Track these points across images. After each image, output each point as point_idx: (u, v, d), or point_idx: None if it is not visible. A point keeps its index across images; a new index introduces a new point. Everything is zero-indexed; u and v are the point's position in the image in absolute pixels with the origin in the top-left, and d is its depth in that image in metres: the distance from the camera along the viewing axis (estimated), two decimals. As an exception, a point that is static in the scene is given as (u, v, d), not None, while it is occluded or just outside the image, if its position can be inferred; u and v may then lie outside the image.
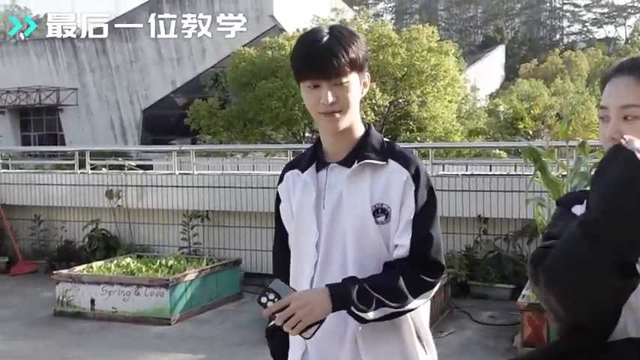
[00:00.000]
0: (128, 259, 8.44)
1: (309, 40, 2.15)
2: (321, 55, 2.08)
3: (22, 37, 56.72)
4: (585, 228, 1.57)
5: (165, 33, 36.89)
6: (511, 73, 62.48)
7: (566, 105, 27.57)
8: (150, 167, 12.63)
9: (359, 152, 2.19)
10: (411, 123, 24.05)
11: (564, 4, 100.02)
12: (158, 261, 8.27)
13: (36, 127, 41.29)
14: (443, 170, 11.83)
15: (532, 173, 6.19)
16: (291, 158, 2.37)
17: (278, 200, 2.38)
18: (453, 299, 7.78)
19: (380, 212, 2.15)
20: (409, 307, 2.11)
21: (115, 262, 8.35)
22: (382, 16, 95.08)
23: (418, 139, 23.11)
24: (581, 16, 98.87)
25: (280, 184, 2.36)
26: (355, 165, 2.16)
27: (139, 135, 38.24)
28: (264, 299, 2.02)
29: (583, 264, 1.60)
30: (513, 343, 6.41)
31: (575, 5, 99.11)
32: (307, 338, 2.04)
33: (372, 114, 22.72)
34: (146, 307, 7.43)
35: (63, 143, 37.68)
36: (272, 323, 2.30)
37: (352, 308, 2.04)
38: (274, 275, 2.35)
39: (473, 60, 56.97)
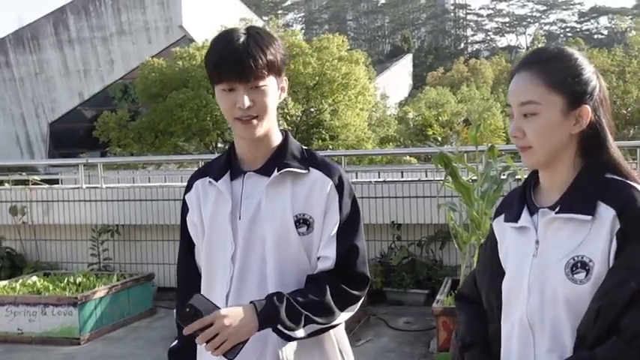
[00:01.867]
0: (34, 278, 8.11)
1: (224, 40, 2.04)
2: (237, 55, 1.99)
3: None
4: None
5: (70, 44, 36.10)
6: (419, 82, 63.70)
7: (473, 110, 28.27)
8: (56, 182, 12.23)
9: (278, 160, 2.11)
10: (323, 132, 24.14)
11: (468, 14, 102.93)
12: (66, 279, 7.96)
13: None
14: (356, 177, 11.89)
15: (443, 178, 6.25)
16: (204, 169, 2.24)
17: (185, 209, 2.25)
18: (369, 306, 7.79)
19: (302, 223, 2.08)
20: (336, 321, 2.07)
21: (21, 281, 8.00)
22: (292, 26, 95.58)
23: (331, 147, 23.23)
24: (484, 25, 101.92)
25: (188, 193, 2.24)
26: (276, 173, 2.08)
27: (45, 149, 37.13)
28: (184, 313, 1.91)
29: None
30: (429, 348, 6.46)
31: (478, 15, 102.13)
32: (231, 359, 1.94)
33: (285, 123, 22.72)
34: (54, 327, 7.14)
35: (-36, 159, 36.23)
36: (176, 343, 2.20)
37: (280, 327, 1.96)
38: (178, 292, 2.24)
39: (382, 69, 57.82)
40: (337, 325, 2.11)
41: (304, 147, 2.22)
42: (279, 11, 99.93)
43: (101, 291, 7.48)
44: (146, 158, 18.96)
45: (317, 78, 23.10)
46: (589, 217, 1.69)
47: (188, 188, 2.24)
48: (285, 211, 2.07)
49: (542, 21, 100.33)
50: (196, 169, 2.52)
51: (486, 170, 6.04)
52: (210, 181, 2.16)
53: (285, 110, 22.48)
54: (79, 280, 7.91)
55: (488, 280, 1.93)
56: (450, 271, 8.04)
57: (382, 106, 31.58)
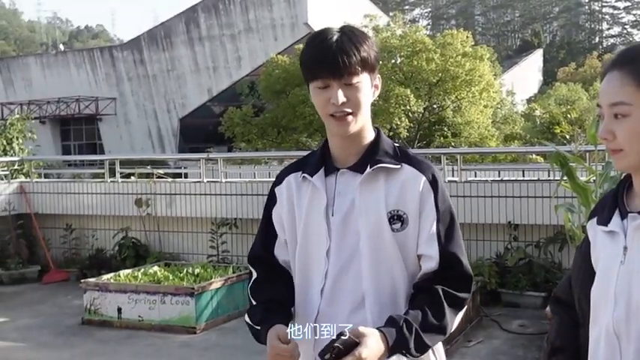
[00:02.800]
0: (155, 268, 8.45)
1: (318, 39, 2.07)
2: (331, 53, 2.01)
3: (62, 49, 57.85)
4: None
5: (201, 42, 37.30)
6: (549, 77, 61.76)
7: (595, 107, 27.10)
8: (180, 175, 12.69)
9: (371, 157, 2.11)
10: (445, 129, 23.86)
11: (603, 6, 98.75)
12: (185, 269, 8.26)
13: (76, 137, 41.87)
14: (475, 176, 11.67)
15: (560, 178, 6.03)
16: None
17: (272, 201, 2.27)
18: (483, 307, 7.64)
19: (395, 219, 2.08)
20: (449, 326, 2.07)
21: (143, 270, 8.36)
22: (418, 21, 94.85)
23: (453, 144, 22.93)
24: (621, 18, 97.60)
25: (279, 186, 2.25)
26: (369, 170, 2.08)
27: (176, 143, 38.56)
28: (327, 356, 1.90)
29: None
30: (542, 353, 6.27)
31: (615, 8, 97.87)
32: None
33: (407, 120, 22.58)
34: (172, 316, 7.42)
35: (102, 152, 38.16)
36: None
37: (408, 355, 2.01)
38: (253, 283, 2.26)
39: (510, 64, 56.49)
40: (451, 327, 2.11)
41: (396, 144, 2.21)
42: (406, 7, 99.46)
43: (217, 282, 7.70)
44: (264, 154, 19.34)
45: (440, 74, 22.84)
46: None
47: (278, 181, 2.26)
48: (379, 207, 2.07)
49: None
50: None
51: (606, 170, 5.79)
52: (304, 177, 2.17)
53: (407, 107, 22.33)
54: (197, 271, 8.18)
55: (580, 283, 1.86)
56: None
57: (508, 103, 30.81)
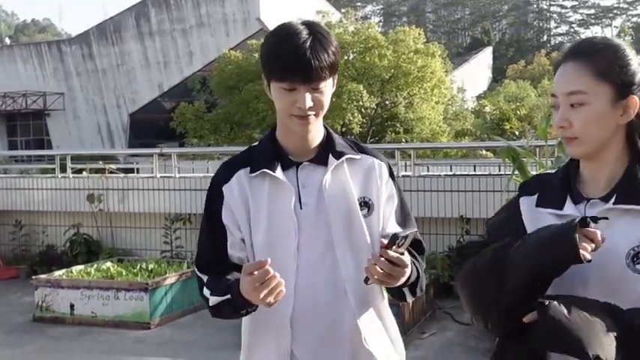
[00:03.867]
0: (108, 263, 8.37)
1: (288, 38, 2.02)
2: (304, 58, 1.98)
3: (8, 42, 56.65)
4: (499, 255, 1.72)
5: (151, 37, 36.94)
6: (499, 75, 62.63)
7: (544, 104, 27.66)
8: (134, 171, 12.58)
9: (330, 150, 2.14)
10: (397, 125, 24.06)
11: (551, 5, 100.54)
12: (138, 265, 8.21)
13: (23, 132, 41.11)
14: (427, 171, 11.81)
15: (512, 172, 6.14)
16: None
17: (219, 199, 2.16)
18: (436, 300, 7.74)
19: (363, 205, 2.13)
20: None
21: (95, 266, 8.28)
22: (370, 18, 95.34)
23: (404, 140, 23.12)
24: (568, 17, 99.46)
25: (227, 183, 2.14)
26: (336, 161, 2.12)
27: (126, 139, 38.15)
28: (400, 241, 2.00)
29: (480, 280, 1.79)
30: (495, 343, 6.37)
31: (562, 7, 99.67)
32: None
33: (359, 116, 22.69)
34: (126, 312, 7.36)
35: (50, 148, 37.48)
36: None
37: (418, 289, 2.18)
38: (207, 282, 2.15)
39: (460, 62, 57.09)
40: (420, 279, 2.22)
41: (344, 137, 2.29)
42: (358, 3, 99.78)
43: (172, 277, 7.67)
44: (217, 149, 19.24)
45: (392, 71, 23.02)
46: None
47: (225, 178, 2.15)
48: (350, 196, 2.11)
49: (629, 12, 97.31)
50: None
51: (556, 165, 5.91)
52: (264, 172, 2.11)
53: (360, 103, 22.46)
54: (150, 266, 8.13)
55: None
56: (519, 266, 7.90)
57: (459, 100, 31.21)
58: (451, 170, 11.67)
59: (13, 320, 7.89)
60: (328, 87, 2.07)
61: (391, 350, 2.23)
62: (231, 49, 27.68)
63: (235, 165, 2.18)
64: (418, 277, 2.15)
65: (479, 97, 44.34)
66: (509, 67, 63.38)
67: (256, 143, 2.25)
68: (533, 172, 6.31)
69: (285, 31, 2.06)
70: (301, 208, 2.10)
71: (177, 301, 7.68)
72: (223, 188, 2.15)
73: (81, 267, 8.27)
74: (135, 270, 8.02)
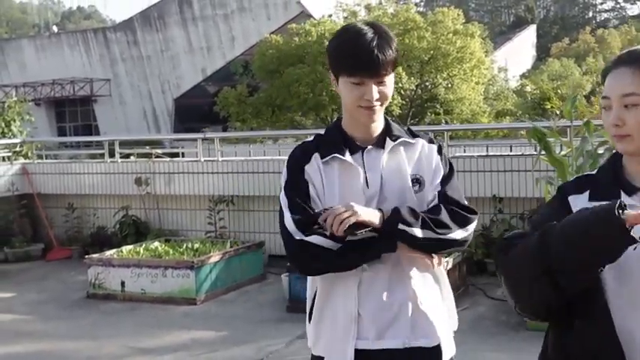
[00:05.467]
0: (156, 243, 8.81)
1: (354, 36, 2.35)
2: (371, 53, 2.30)
3: (55, 30, 57.76)
4: (543, 239, 1.80)
5: (194, 22, 37.43)
6: (543, 53, 61.87)
7: (570, 84, 27.35)
8: (177, 155, 13.00)
9: (389, 135, 2.45)
10: (437, 106, 24.17)
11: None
12: (185, 244, 8.62)
13: (71, 119, 42.10)
14: (464, 152, 12.01)
15: (538, 153, 6.37)
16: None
17: (304, 180, 2.44)
18: (469, 277, 8.00)
19: (414, 182, 2.45)
20: (454, 236, 2.39)
21: (144, 246, 8.71)
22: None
23: (444, 121, 23.24)
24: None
25: (308, 164, 2.44)
26: (392, 143, 2.43)
27: (171, 123, 38.81)
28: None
29: (527, 267, 1.84)
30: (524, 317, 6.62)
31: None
32: (354, 235, 2.28)
33: (399, 97, 22.85)
34: (173, 288, 7.78)
35: (97, 133, 38.38)
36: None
37: (400, 224, 2.30)
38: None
39: (503, 40, 56.57)
40: (456, 240, 2.40)
41: (400, 125, 2.61)
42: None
43: (215, 256, 8.06)
44: (259, 133, 19.63)
45: (431, 52, 23.12)
46: None
47: (306, 159, 2.44)
48: (404, 174, 2.44)
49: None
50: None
51: (582, 145, 6.12)
52: (334, 156, 2.42)
53: (400, 85, 22.61)
54: (196, 246, 8.53)
55: None
56: (551, 244, 8.09)
57: (500, 79, 31.09)
58: (487, 151, 11.84)
59: (68, 297, 8.38)
60: (391, 80, 2.39)
61: (445, 316, 2.53)
62: (272, 32, 27.99)
63: (310, 149, 2.48)
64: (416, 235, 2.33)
65: (522, 76, 43.94)
66: (553, 45, 62.55)
67: (322, 132, 2.56)
68: (562, 153, 6.54)
69: (353, 30, 2.40)
70: (368, 187, 2.42)
71: (221, 278, 8.07)
72: (306, 167, 2.46)
73: (130, 247, 8.72)
74: (181, 249, 8.43)
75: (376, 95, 2.33)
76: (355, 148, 2.44)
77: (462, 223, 2.42)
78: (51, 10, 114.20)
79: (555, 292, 1.78)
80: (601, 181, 2.03)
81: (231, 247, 8.55)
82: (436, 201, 2.43)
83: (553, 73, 39.34)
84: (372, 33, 2.32)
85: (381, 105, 2.38)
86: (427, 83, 24.45)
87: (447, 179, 2.49)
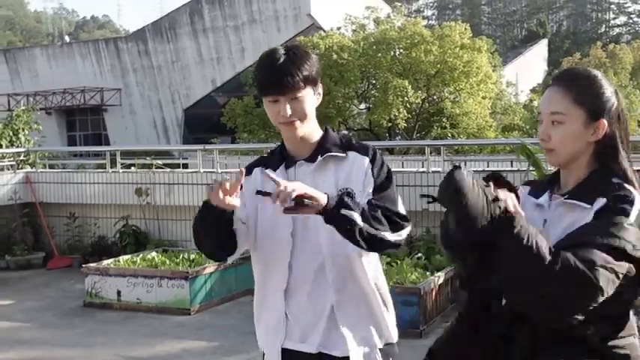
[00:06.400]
0: (153, 253, 8.91)
1: (266, 60, 2.51)
2: (278, 74, 2.44)
3: (68, 39, 58.18)
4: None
5: (205, 33, 37.67)
6: (554, 67, 61.74)
7: None
8: (178, 166, 13.12)
9: (321, 149, 2.56)
10: (444, 119, 24.21)
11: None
12: (181, 255, 8.71)
13: (81, 127, 42.33)
14: (465, 166, 12.05)
15: (527, 169, 6.42)
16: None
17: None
18: (462, 291, 8.04)
19: (346, 195, 2.47)
20: (387, 236, 2.43)
21: (141, 255, 8.82)
22: (424, 11, 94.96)
23: (450, 135, 23.29)
24: (627, 7, 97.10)
25: (247, 176, 2.57)
26: (319, 159, 2.54)
27: (180, 134, 38.96)
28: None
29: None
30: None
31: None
32: (288, 212, 2.30)
33: (405, 111, 22.91)
34: (168, 298, 7.87)
35: (107, 143, 38.59)
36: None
37: (344, 209, 2.34)
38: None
39: (515, 54, 56.57)
40: (387, 241, 2.43)
41: (342, 136, 2.66)
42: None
43: (210, 267, 8.14)
44: (261, 145, 19.66)
45: (438, 66, 23.18)
46: (589, 206, 2.05)
47: (248, 172, 2.60)
48: (331, 188, 2.50)
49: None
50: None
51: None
52: (270, 171, 2.54)
53: (406, 98, 22.69)
54: (192, 256, 8.63)
55: None
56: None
57: (507, 94, 31.10)
58: (488, 166, 11.89)
59: (66, 305, 8.49)
60: (307, 96, 2.49)
61: (369, 329, 2.58)
62: (282, 44, 28.10)
63: (256, 163, 2.68)
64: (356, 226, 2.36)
65: (533, 91, 43.89)
66: (564, 59, 62.40)
67: (275, 145, 2.74)
68: (550, 169, 6.59)
69: (266, 54, 2.56)
70: None
71: (216, 289, 8.16)
72: (243, 181, 2.56)
73: (128, 256, 8.83)
74: (177, 260, 8.53)
75: (289, 112, 2.45)
76: (291, 162, 2.58)
77: (396, 228, 2.46)
78: (65, 20, 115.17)
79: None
80: (542, 182, 2.32)
81: (227, 258, 8.63)
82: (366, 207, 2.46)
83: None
84: (282, 55, 2.47)
85: (300, 120, 2.48)
86: (434, 97, 24.51)
87: (379, 190, 2.51)
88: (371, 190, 2.51)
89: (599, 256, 1.90)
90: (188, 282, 7.80)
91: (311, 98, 2.52)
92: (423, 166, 9.49)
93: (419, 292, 6.87)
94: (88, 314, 8.06)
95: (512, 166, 12.39)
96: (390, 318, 2.64)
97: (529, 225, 1.94)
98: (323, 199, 2.32)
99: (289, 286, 2.54)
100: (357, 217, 2.35)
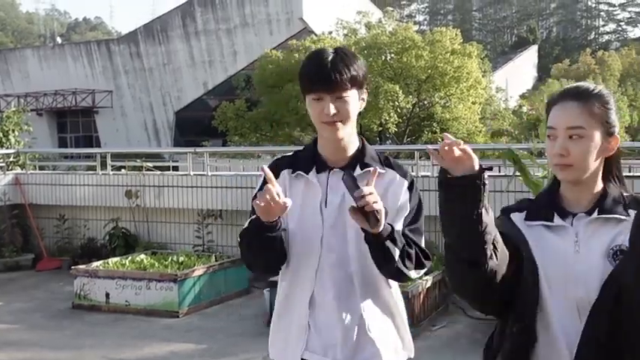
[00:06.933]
0: (142, 256, 8.92)
1: (315, 57, 2.49)
2: (326, 71, 2.41)
3: (60, 41, 58.09)
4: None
5: (197, 36, 37.69)
6: (544, 73, 62.03)
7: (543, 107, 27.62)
8: (169, 168, 13.14)
9: (359, 160, 2.54)
10: (434, 124, 24.32)
11: (599, 3, 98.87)
12: (170, 257, 8.73)
13: (72, 129, 42.32)
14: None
15: (513, 174, 6.49)
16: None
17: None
18: (451, 295, 8.09)
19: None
20: (410, 274, 2.47)
21: (130, 258, 8.83)
22: (415, 17, 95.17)
23: (440, 140, 23.34)
24: (616, 15, 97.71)
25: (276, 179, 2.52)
26: (360, 171, 2.50)
27: (171, 136, 38.99)
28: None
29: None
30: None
31: (610, 5, 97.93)
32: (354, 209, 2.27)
33: (395, 116, 23.00)
34: (156, 301, 7.89)
35: (98, 144, 38.60)
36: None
37: (388, 241, 2.34)
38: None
39: (505, 60, 56.83)
40: (408, 276, 2.47)
41: (378, 151, 2.65)
42: (403, 2, 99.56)
43: (200, 270, 8.17)
44: (252, 149, 19.81)
45: (429, 71, 23.31)
46: (626, 217, 2.08)
47: (277, 173, 2.52)
48: None
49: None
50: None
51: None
52: (299, 174, 2.55)
53: (396, 103, 22.78)
54: (181, 259, 8.65)
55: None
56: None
57: (497, 100, 31.27)
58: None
59: (54, 307, 8.49)
60: (352, 97, 2.46)
61: (394, 345, 2.60)
62: (274, 48, 28.19)
63: (282, 164, 2.60)
64: (396, 246, 2.39)
65: (522, 97, 44.10)
66: (554, 65, 62.71)
67: (301, 148, 2.69)
68: (537, 174, 6.66)
69: (315, 52, 2.56)
70: (326, 206, 2.51)
71: (205, 291, 8.18)
72: None
73: (117, 259, 8.84)
74: (166, 262, 8.54)
75: (333, 110, 2.41)
76: (323, 167, 2.53)
77: (419, 266, 2.49)
78: (57, 21, 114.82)
79: (470, 269, 2.03)
80: (538, 204, 2.25)
81: (216, 260, 8.67)
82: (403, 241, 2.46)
83: (552, 94, 39.42)
84: (331, 53, 2.46)
85: (342, 122, 2.45)
86: (424, 102, 24.64)
87: (412, 219, 2.52)
88: (404, 217, 2.51)
89: None
90: (177, 284, 7.82)
91: (355, 101, 2.48)
92: (412, 171, 9.54)
93: (407, 296, 6.91)
94: (77, 316, 8.06)
95: (499, 171, 12.47)
96: (408, 332, 2.67)
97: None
98: (381, 223, 2.30)
99: (314, 295, 2.51)
100: (397, 253, 2.37)
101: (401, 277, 2.48)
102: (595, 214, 2.12)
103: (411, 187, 2.53)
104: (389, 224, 2.36)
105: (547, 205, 2.21)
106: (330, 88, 2.41)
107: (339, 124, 2.45)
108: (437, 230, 8.87)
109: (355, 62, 2.46)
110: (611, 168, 2.18)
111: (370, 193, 2.23)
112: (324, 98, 2.42)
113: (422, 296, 7.29)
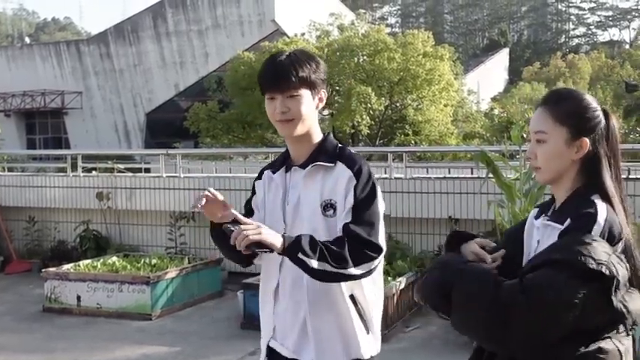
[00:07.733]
0: (114, 258, 8.84)
1: (270, 60, 2.61)
2: (275, 72, 2.54)
3: (28, 41, 57.41)
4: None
5: (168, 37, 37.47)
6: (515, 76, 62.55)
7: (517, 110, 28.04)
8: (140, 170, 13.04)
9: (314, 157, 2.62)
10: (406, 126, 24.38)
11: (569, 6, 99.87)
12: (142, 260, 8.66)
13: (41, 131, 41.79)
14: (427, 173, 12.18)
15: (485, 176, 6.53)
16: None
17: (253, 193, 2.79)
18: (424, 297, 8.11)
19: (329, 207, 2.57)
20: (351, 271, 2.47)
21: (102, 260, 8.75)
22: (387, 19, 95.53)
23: (413, 142, 23.48)
24: (586, 19, 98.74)
25: (258, 180, 2.77)
26: (308, 167, 2.60)
27: (142, 138, 38.67)
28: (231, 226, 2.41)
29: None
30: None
31: (580, 8, 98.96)
32: (246, 251, 2.38)
33: (368, 118, 23.03)
34: (128, 303, 7.81)
35: (68, 146, 38.12)
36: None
37: (300, 253, 2.40)
38: None
39: (477, 63, 57.19)
40: (351, 275, 2.48)
41: (340, 145, 2.68)
42: (375, 4, 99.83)
43: (172, 272, 8.12)
44: (225, 150, 19.72)
45: (401, 73, 23.35)
46: (560, 226, 2.10)
47: (259, 177, 2.78)
48: (315, 198, 2.58)
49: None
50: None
51: (530, 169, 6.28)
52: (270, 173, 2.71)
53: (369, 105, 22.81)
54: (154, 261, 8.59)
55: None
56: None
57: (469, 102, 31.45)
58: (449, 173, 12.01)
59: (24, 310, 8.38)
60: (304, 97, 2.56)
61: (338, 348, 2.59)
62: (246, 49, 28.09)
63: (267, 166, 2.80)
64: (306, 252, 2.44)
65: (494, 99, 44.43)
66: (525, 68, 63.25)
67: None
68: (511, 176, 6.71)
69: (271, 55, 2.73)
70: (287, 203, 2.64)
71: (178, 294, 8.12)
72: (255, 183, 2.79)
73: (88, 261, 8.75)
74: (139, 264, 8.47)
75: (282, 108, 2.53)
76: (290, 166, 2.67)
77: (363, 261, 2.48)
78: (25, 21, 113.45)
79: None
80: (548, 203, 2.34)
81: (189, 262, 8.62)
82: (341, 233, 2.50)
83: (524, 97, 39.82)
84: (285, 55, 2.58)
85: (294, 120, 2.55)
86: (397, 104, 24.69)
87: (359, 209, 2.52)
88: (350, 207, 2.52)
89: (546, 278, 1.94)
90: (149, 287, 7.76)
91: (309, 100, 2.58)
92: (385, 173, 9.56)
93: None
94: (47, 319, 7.97)
95: (472, 173, 12.55)
96: (363, 335, 2.61)
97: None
98: (277, 245, 2.40)
99: (278, 287, 2.64)
100: (313, 263, 2.41)
101: (340, 278, 2.49)
102: (545, 219, 2.21)
103: (357, 176, 2.53)
104: (298, 236, 2.43)
105: (550, 202, 2.31)
106: (279, 88, 2.53)
107: (291, 122, 2.55)
108: (410, 232, 8.94)
109: (307, 63, 2.56)
110: (586, 171, 2.19)
111: (237, 235, 2.34)
112: (277, 98, 2.54)
113: (395, 298, 7.30)
